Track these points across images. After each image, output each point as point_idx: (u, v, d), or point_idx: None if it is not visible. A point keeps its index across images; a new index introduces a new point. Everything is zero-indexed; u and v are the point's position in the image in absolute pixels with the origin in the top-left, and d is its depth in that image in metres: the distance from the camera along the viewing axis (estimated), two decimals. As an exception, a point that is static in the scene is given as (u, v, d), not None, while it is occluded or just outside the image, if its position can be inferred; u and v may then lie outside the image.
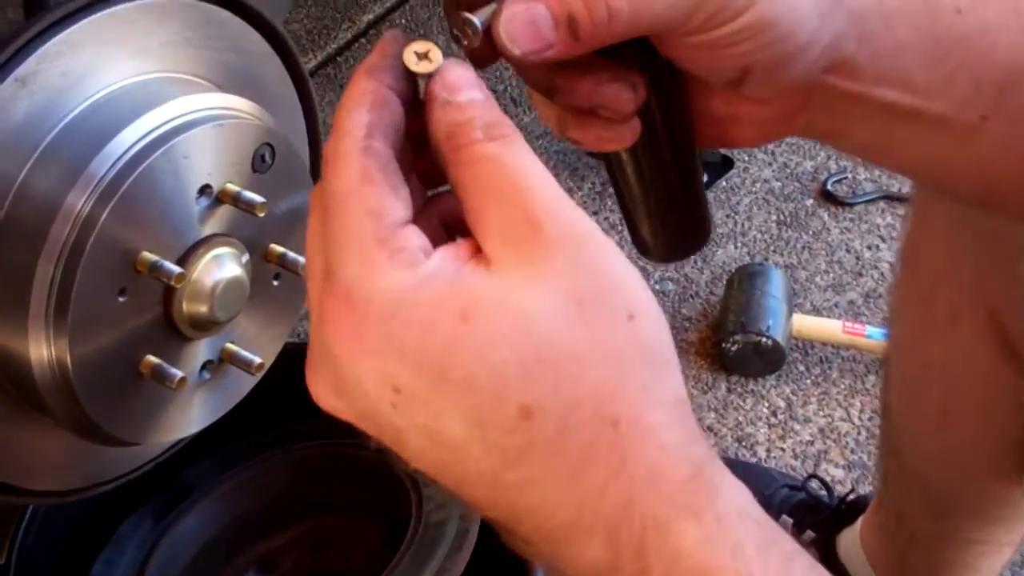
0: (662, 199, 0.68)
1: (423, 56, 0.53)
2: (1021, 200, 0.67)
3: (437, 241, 0.50)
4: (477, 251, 0.49)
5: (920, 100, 0.61)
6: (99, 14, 0.94)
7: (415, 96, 0.53)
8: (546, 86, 0.59)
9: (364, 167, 0.50)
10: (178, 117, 0.96)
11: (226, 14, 1.06)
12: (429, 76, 0.52)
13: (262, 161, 1.02)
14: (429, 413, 0.47)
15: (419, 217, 0.52)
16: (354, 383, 0.48)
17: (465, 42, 0.55)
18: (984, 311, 0.96)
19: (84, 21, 0.93)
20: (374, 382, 0.47)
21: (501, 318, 0.47)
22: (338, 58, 2.34)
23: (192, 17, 1.02)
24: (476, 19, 0.54)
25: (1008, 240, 0.88)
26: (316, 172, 1.23)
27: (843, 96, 0.60)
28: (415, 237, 0.50)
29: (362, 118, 0.51)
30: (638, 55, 0.60)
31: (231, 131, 0.99)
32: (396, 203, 0.50)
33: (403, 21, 2.41)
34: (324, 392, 0.50)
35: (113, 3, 0.95)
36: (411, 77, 0.53)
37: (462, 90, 0.51)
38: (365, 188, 0.49)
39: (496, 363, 0.46)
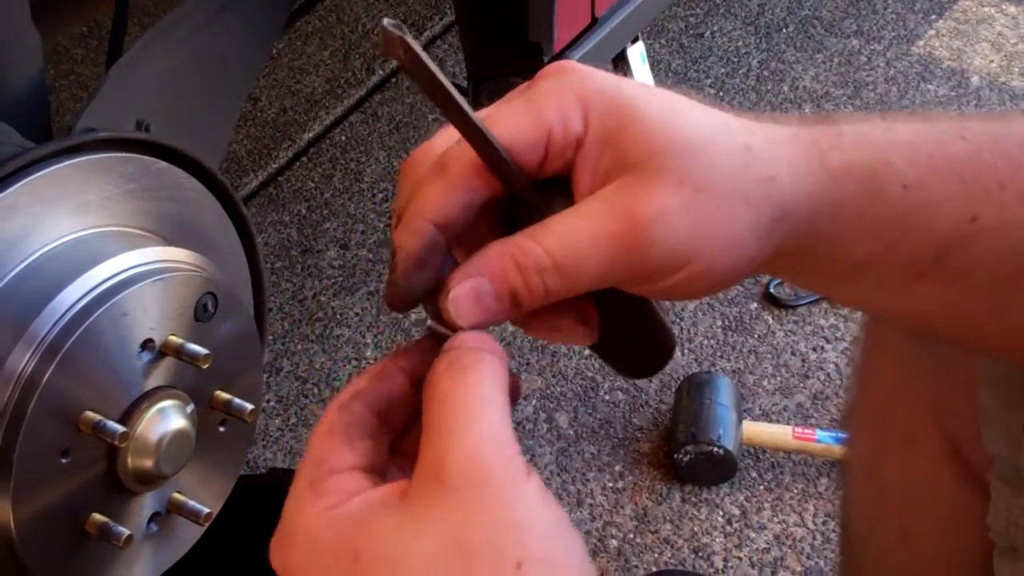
0: (624, 351, 0.70)
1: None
2: (958, 338, 0.68)
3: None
4: (406, 487, 0.53)
5: (858, 266, 0.62)
6: (34, 176, 0.94)
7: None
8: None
9: (331, 423, 0.56)
10: (118, 274, 0.96)
11: (163, 164, 1.06)
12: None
13: (205, 311, 1.02)
14: None
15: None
16: None
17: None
18: (940, 433, 0.96)
19: (19, 184, 0.93)
20: None
21: (384, 562, 0.50)
22: (279, 178, 2.35)
23: (130, 170, 1.02)
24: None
25: (965, 365, 0.89)
26: (259, 312, 1.22)
27: (787, 267, 0.62)
28: (349, 482, 0.54)
29: (357, 384, 0.58)
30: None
31: (172, 284, 0.98)
32: (344, 453, 0.55)
33: (343, 138, 2.42)
34: None
35: (49, 163, 0.95)
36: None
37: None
38: (321, 440, 0.56)
39: None
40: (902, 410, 1.01)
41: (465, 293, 0.57)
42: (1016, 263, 0.62)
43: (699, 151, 0.56)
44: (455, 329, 0.57)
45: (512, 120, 0.57)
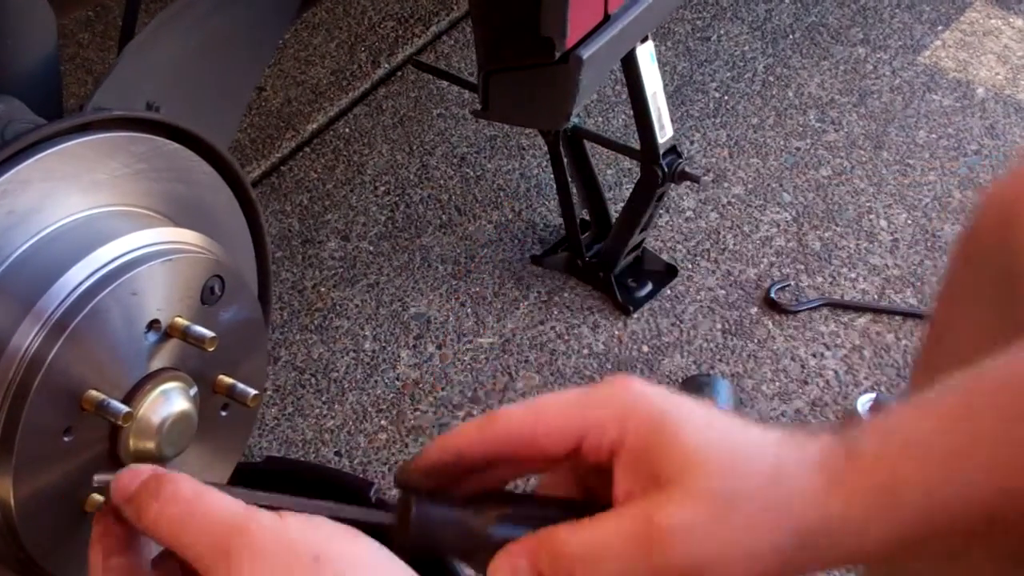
0: None
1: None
2: None
3: None
4: None
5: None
6: (47, 152, 0.93)
7: None
8: None
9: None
10: (127, 253, 0.95)
11: (175, 145, 1.05)
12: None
13: (211, 293, 1.01)
14: None
15: None
16: None
17: None
18: None
19: (31, 159, 0.92)
20: None
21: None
22: (282, 167, 2.34)
23: (141, 150, 1.02)
24: None
25: None
26: (264, 297, 1.22)
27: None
28: None
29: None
30: None
31: (180, 266, 0.98)
32: None
33: (347, 130, 2.41)
34: None
35: (61, 140, 0.95)
36: None
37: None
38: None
39: None
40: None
41: (504, 568, 0.63)
42: None
43: (730, 472, 0.62)
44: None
45: (560, 412, 0.66)
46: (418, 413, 1.89)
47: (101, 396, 0.94)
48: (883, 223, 2.22)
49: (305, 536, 0.60)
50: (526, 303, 2.09)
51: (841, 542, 0.63)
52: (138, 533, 0.65)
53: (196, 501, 0.62)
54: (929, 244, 2.18)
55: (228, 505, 0.61)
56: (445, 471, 0.66)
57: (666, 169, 1.94)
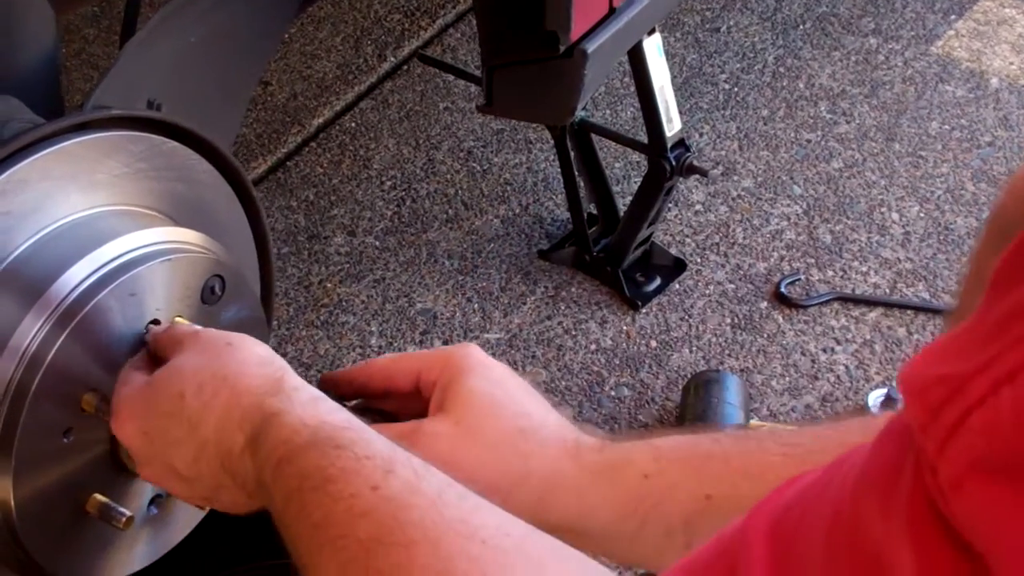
0: None
1: None
2: None
3: None
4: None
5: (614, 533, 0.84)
6: (45, 151, 0.93)
7: None
8: None
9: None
10: (126, 254, 0.94)
11: (174, 144, 1.04)
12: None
13: (212, 293, 1.01)
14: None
15: None
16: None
17: None
18: None
19: (29, 159, 0.91)
20: None
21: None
22: (288, 163, 2.33)
23: (141, 149, 1.01)
24: None
25: None
26: (267, 296, 1.21)
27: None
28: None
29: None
30: None
31: (180, 265, 0.97)
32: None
33: (353, 124, 2.40)
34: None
35: (59, 140, 0.94)
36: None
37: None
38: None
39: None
40: None
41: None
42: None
43: (485, 418, 0.86)
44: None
45: (409, 359, 0.92)
46: (425, 409, 1.88)
47: (101, 397, 0.93)
48: (895, 216, 2.21)
49: (223, 333, 0.89)
50: (533, 298, 2.08)
51: (561, 499, 0.83)
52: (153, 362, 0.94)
53: (177, 326, 0.94)
54: (942, 237, 2.16)
55: (189, 326, 0.94)
56: (341, 386, 0.96)
57: (674, 163, 1.92)
